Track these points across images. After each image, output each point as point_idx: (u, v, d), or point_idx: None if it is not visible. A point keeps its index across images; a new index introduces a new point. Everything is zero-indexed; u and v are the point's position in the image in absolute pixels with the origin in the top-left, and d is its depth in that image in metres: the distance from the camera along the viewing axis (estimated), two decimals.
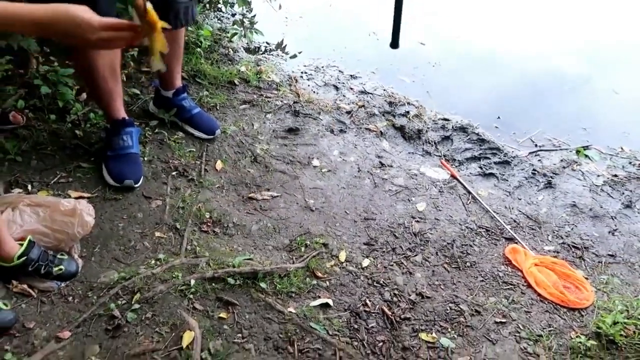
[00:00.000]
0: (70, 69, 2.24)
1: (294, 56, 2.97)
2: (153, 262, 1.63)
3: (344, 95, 2.75)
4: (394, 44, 1.53)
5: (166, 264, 1.61)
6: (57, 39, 0.98)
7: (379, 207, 2.07)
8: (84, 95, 2.25)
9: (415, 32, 3.42)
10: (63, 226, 1.52)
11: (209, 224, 1.82)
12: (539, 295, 1.77)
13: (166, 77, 2.14)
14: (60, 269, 1.48)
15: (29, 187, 1.78)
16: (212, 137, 2.19)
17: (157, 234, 1.73)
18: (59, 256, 1.51)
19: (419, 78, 2.98)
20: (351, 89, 2.81)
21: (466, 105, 2.80)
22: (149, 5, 1.05)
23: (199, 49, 2.72)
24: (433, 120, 2.63)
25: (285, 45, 3.02)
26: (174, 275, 1.58)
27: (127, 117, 1.94)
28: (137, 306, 1.47)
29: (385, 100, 2.74)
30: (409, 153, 2.44)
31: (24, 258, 1.42)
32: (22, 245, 1.43)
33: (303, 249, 1.79)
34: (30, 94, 2.15)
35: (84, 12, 0.98)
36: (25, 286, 1.47)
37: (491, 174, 2.35)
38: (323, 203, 2.03)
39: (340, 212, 2.01)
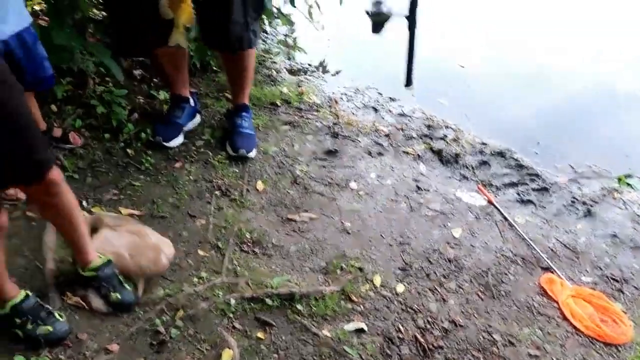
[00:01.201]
0: (124, 90, 2.38)
1: (335, 74, 3.05)
2: (196, 280, 1.71)
3: (382, 118, 2.80)
4: (408, 82, 1.57)
5: (208, 283, 1.70)
6: None
7: (415, 232, 2.10)
8: (136, 115, 2.38)
9: (455, 55, 3.44)
10: (142, 258, 1.63)
11: (249, 243, 1.90)
12: (575, 328, 1.76)
13: (232, 91, 2.38)
14: (118, 298, 1.57)
15: (84, 203, 1.91)
16: (235, 154, 2.26)
17: (200, 252, 1.82)
18: (125, 285, 1.59)
19: (458, 101, 3.00)
20: (390, 111, 2.86)
21: (505, 128, 2.80)
22: None
23: None
24: (471, 144, 2.65)
25: (326, 66, 3.10)
26: (215, 294, 1.66)
27: (184, 95, 2.29)
28: (180, 323, 1.56)
29: (423, 123, 2.77)
30: (446, 177, 2.46)
31: (96, 272, 1.54)
32: (101, 258, 1.55)
33: (339, 271, 1.85)
34: (87, 113, 2.30)
35: None
36: (79, 299, 1.58)
37: (529, 201, 2.35)
38: (360, 226, 2.08)
39: (376, 236, 2.05)
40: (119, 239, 1.68)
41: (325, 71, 3.13)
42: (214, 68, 2.87)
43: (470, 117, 2.85)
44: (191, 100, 2.36)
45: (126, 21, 1.91)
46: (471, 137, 2.70)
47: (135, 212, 1.91)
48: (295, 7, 2.76)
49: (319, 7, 2.84)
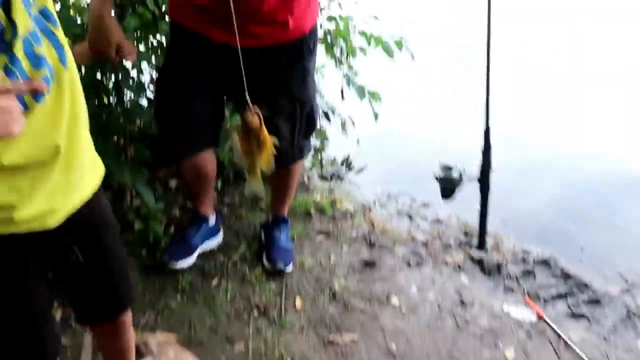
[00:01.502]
0: (160, 203, 2.39)
1: (360, 170, 3.09)
2: None
3: (418, 225, 2.75)
4: (481, 245, 1.53)
5: None
6: None
7: (464, 353, 1.97)
8: (172, 229, 2.37)
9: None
10: None
11: None
12: None
13: (272, 203, 2.36)
14: None
15: None
16: (272, 269, 2.21)
17: None
18: None
19: (494, 205, 2.95)
20: (424, 218, 2.82)
21: (547, 234, 2.73)
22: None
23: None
24: (512, 253, 2.56)
25: (359, 168, 3.14)
26: None
27: (202, 213, 2.23)
28: None
29: (460, 230, 2.72)
30: (490, 289, 2.35)
31: None
32: None
33: None
34: (124, 228, 2.29)
35: None
36: None
37: (582, 315, 2.22)
38: (405, 347, 1.97)
39: (422, 357, 1.93)
40: None
41: (357, 171, 3.17)
42: (242, 175, 2.90)
43: (508, 223, 2.79)
44: (211, 220, 2.29)
45: (176, 128, 1.96)
46: (511, 244, 2.63)
47: (173, 337, 1.83)
48: (330, 122, 2.83)
49: (353, 123, 2.90)
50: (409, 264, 2.44)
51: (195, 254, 2.22)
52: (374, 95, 2.73)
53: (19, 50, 0.84)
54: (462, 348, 1.99)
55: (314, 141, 3.19)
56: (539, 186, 3.15)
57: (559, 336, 2.08)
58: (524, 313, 2.21)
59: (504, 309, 2.22)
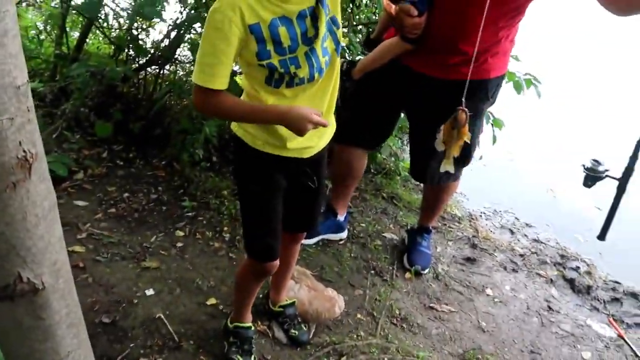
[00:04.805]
0: None
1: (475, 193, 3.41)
2: (355, 336, 2.04)
3: (518, 240, 3.06)
4: (602, 236, 1.82)
5: (365, 340, 2.01)
6: (286, 124, 1.39)
7: (545, 346, 2.27)
8: None
9: (593, 195, 3.65)
10: (319, 306, 2.02)
11: (398, 318, 2.20)
12: None
13: (422, 212, 2.65)
14: (295, 334, 1.94)
15: None
16: (410, 268, 2.49)
17: (359, 315, 2.16)
18: (302, 325, 1.98)
19: (593, 239, 3.17)
20: (525, 235, 3.12)
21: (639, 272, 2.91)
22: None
23: (398, 177, 3.29)
24: (603, 281, 2.79)
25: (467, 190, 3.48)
26: (371, 351, 1.96)
27: (334, 207, 2.54)
28: None
29: (557, 252, 2.98)
30: (577, 304, 2.61)
31: (282, 309, 1.94)
32: (287, 301, 1.97)
33: None
34: None
35: (305, 110, 1.38)
36: (265, 327, 1.97)
37: None
38: (494, 328, 2.30)
39: (508, 340, 2.25)
40: (300, 289, 2.08)
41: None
42: (372, 171, 3.36)
43: (604, 256, 3.01)
44: (340, 217, 2.59)
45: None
46: (604, 274, 2.85)
47: (308, 271, 2.32)
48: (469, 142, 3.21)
49: (478, 144, 3.23)
50: (505, 268, 2.76)
51: (316, 239, 2.54)
52: (496, 122, 3.09)
53: (317, 44, 1.38)
54: (544, 341, 2.29)
55: None
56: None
57: (636, 355, 2.31)
58: (605, 330, 2.45)
59: (587, 322, 2.48)
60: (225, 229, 2.49)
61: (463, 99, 1.46)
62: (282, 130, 1.44)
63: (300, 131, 1.38)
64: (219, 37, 1.28)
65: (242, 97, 1.52)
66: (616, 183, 1.82)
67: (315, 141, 1.55)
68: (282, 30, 1.33)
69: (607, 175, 1.84)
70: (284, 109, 1.38)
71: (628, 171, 1.74)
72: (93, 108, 3.03)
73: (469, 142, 1.52)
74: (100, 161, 2.85)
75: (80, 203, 2.51)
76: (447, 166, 1.54)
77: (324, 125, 1.41)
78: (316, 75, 1.41)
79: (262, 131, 1.47)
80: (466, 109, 1.49)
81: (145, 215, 2.51)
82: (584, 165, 1.87)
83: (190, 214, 2.56)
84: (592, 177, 1.88)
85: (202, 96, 1.36)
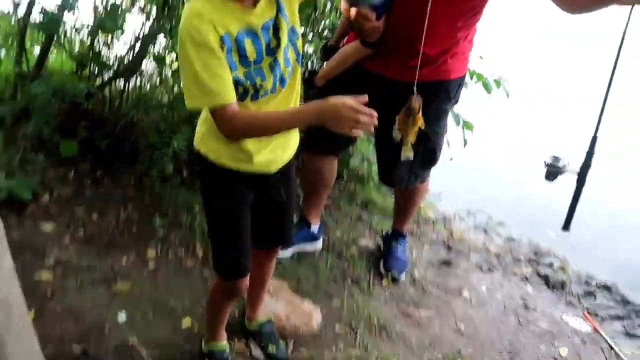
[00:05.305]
0: None
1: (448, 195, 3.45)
2: (334, 348, 2.02)
3: (492, 239, 3.09)
4: (566, 226, 1.86)
5: (345, 352, 2.00)
6: (328, 122, 1.27)
7: (523, 345, 2.29)
8: None
9: (563, 190, 3.71)
10: (297, 321, 2.00)
11: (376, 327, 2.19)
12: None
13: (395, 217, 2.65)
14: (273, 351, 1.91)
15: None
16: (386, 274, 2.49)
17: (337, 327, 2.14)
18: (280, 341, 1.95)
19: (565, 234, 3.22)
20: (499, 234, 3.15)
21: (611, 266, 2.97)
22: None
23: (371, 182, 3.29)
24: (577, 275, 2.84)
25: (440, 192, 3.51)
26: None
27: (306, 217, 2.53)
28: None
29: (530, 249, 3.02)
30: (552, 301, 2.64)
31: (259, 327, 1.91)
32: (264, 318, 1.94)
33: None
34: None
35: (340, 97, 1.27)
36: (243, 345, 1.94)
37: (635, 335, 2.46)
38: (472, 330, 2.31)
39: (487, 341, 2.27)
40: (277, 304, 2.05)
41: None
42: (345, 178, 3.34)
43: (576, 250, 3.06)
44: (313, 226, 2.56)
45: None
46: (577, 269, 2.90)
47: (285, 284, 2.29)
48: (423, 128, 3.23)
49: (448, 144, 3.26)
50: (481, 269, 2.78)
51: (290, 250, 2.49)
52: (467, 124, 3.11)
53: (280, 55, 1.36)
54: (521, 340, 2.31)
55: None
56: (622, 242, 3.30)
57: (611, 347, 2.35)
58: (581, 325, 2.49)
59: (563, 318, 2.51)
60: (198, 245, 2.45)
61: (414, 88, 1.47)
62: (248, 144, 1.42)
63: (340, 119, 1.23)
64: (205, 52, 1.25)
65: (201, 117, 1.50)
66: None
67: (280, 153, 1.53)
68: (248, 44, 1.31)
69: (566, 170, 1.89)
70: (318, 104, 1.28)
71: (585, 166, 1.79)
72: (57, 127, 2.94)
73: (422, 128, 1.53)
74: (67, 182, 2.77)
75: (47, 227, 2.44)
76: (407, 152, 1.55)
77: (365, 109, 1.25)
78: (278, 86, 1.40)
79: (227, 146, 1.45)
80: (419, 96, 1.50)
81: (115, 237, 2.45)
82: (545, 162, 1.92)
83: (161, 232, 2.51)
84: (553, 172, 1.92)
85: (222, 117, 1.30)
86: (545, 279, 2.78)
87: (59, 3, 2.82)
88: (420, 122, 1.49)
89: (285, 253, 2.48)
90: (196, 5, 1.26)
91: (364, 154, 3.27)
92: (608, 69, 1.73)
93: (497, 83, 2.94)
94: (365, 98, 1.26)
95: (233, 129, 1.34)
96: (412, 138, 1.51)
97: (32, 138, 2.84)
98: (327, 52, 2.20)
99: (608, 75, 1.74)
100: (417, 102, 1.44)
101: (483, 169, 3.95)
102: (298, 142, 1.61)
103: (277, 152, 1.50)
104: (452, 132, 3.15)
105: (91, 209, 2.61)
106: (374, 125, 1.24)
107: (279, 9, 1.35)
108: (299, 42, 1.42)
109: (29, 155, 2.80)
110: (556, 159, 1.83)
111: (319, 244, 2.63)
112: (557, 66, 5.76)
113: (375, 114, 1.24)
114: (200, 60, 1.25)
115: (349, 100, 1.24)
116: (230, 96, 1.29)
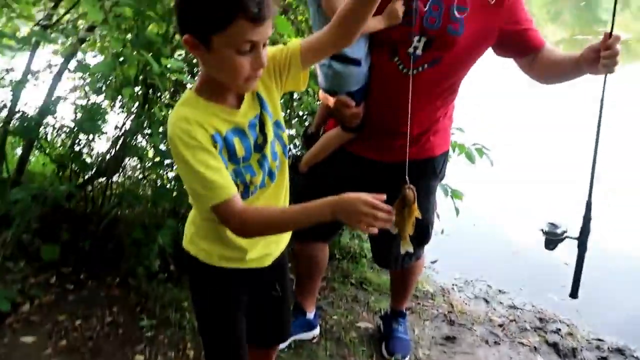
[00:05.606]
0: None
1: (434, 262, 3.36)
2: None
3: (494, 309, 2.98)
4: (573, 294, 1.79)
5: None
6: (343, 218, 1.25)
7: None
8: None
9: (559, 252, 3.66)
10: None
11: None
12: None
13: (392, 296, 2.58)
14: None
15: None
16: (388, 357, 2.39)
17: None
18: None
19: (567, 297, 3.13)
20: (500, 302, 3.05)
21: (619, 324, 2.86)
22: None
23: (364, 259, 3.22)
24: (587, 340, 2.72)
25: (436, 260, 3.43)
26: None
27: (301, 306, 2.45)
28: None
29: (535, 316, 2.91)
30: None
31: None
32: None
33: None
34: None
35: (356, 193, 1.25)
36: None
37: None
38: None
39: None
40: None
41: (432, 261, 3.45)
42: (337, 257, 3.27)
43: (582, 313, 2.95)
44: (309, 314, 2.48)
45: None
46: (586, 333, 2.79)
47: None
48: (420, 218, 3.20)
49: (438, 216, 3.24)
50: (487, 342, 2.65)
51: (287, 342, 2.32)
52: (455, 194, 3.10)
53: (267, 150, 1.35)
54: None
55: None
56: (629, 298, 3.22)
57: None
58: None
59: None
60: (189, 345, 2.32)
61: (406, 177, 1.44)
62: (241, 241, 1.36)
63: (357, 215, 1.22)
64: (200, 152, 1.22)
65: (189, 219, 1.46)
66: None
67: (274, 248, 1.49)
68: (237, 142, 1.31)
69: (566, 237, 1.83)
70: (333, 199, 1.25)
71: (584, 232, 1.74)
72: (38, 232, 2.87)
73: (420, 217, 1.47)
74: (48, 288, 2.66)
75: (27, 339, 2.30)
76: (406, 246, 1.47)
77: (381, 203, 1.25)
78: (267, 180, 1.38)
79: (217, 245, 1.40)
80: (412, 186, 1.47)
81: (100, 343, 2.32)
82: (542, 230, 1.86)
83: (149, 333, 2.38)
84: (553, 240, 1.86)
85: (231, 211, 1.25)
86: (555, 347, 2.66)
87: (39, 107, 2.85)
88: (417, 213, 1.44)
89: (281, 345, 2.35)
90: (180, 110, 1.26)
91: (354, 231, 3.21)
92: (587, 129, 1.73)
93: (480, 152, 2.96)
94: (383, 196, 1.24)
95: (243, 223, 1.27)
96: (410, 230, 1.45)
97: (12, 245, 2.76)
98: (307, 139, 2.21)
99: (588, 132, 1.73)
100: (411, 191, 1.40)
101: (477, 235, 3.90)
102: (290, 234, 1.56)
103: (270, 247, 1.45)
104: (441, 204, 3.15)
105: (74, 315, 2.48)
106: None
107: (262, 106, 1.35)
108: (285, 135, 1.41)
109: (8, 264, 2.70)
110: (553, 225, 1.78)
111: (316, 331, 2.52)
112: (537, 126, 5.87)
113: (393, 210, 1.23)
114: (198, 162, 1.22)
115: (365, 196, 1.22)
116: (235, 189, 1.27)
